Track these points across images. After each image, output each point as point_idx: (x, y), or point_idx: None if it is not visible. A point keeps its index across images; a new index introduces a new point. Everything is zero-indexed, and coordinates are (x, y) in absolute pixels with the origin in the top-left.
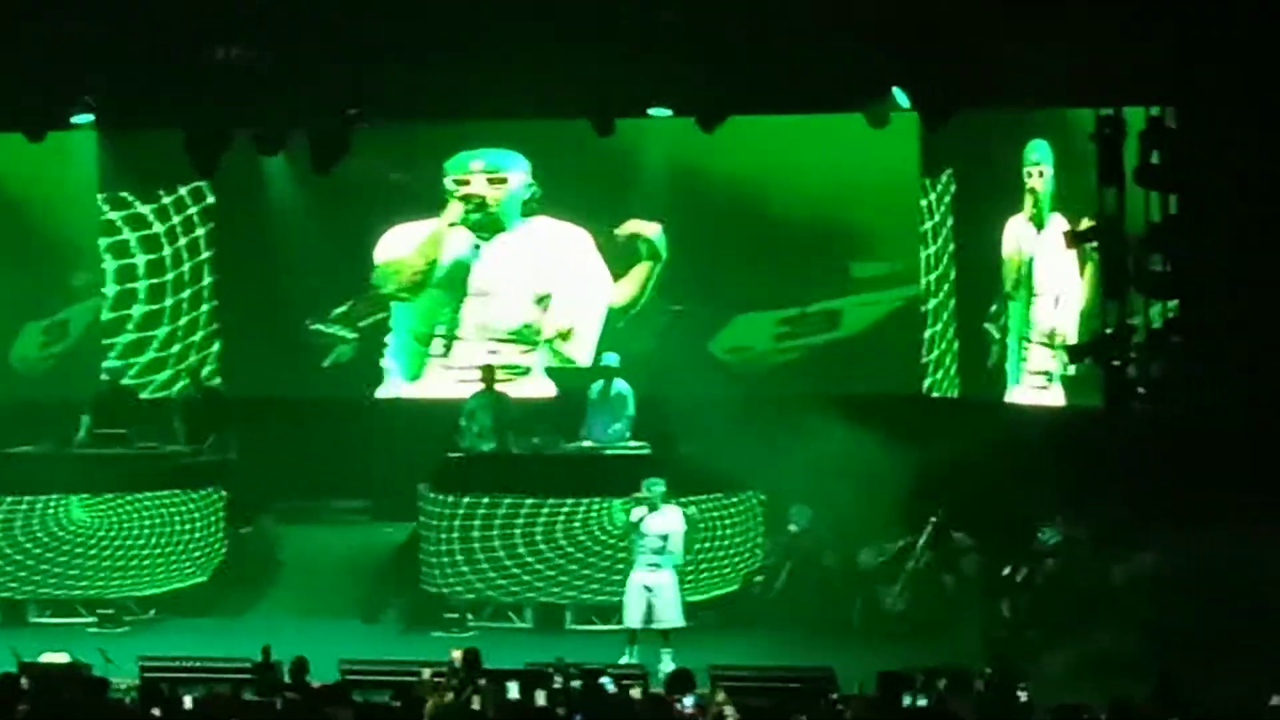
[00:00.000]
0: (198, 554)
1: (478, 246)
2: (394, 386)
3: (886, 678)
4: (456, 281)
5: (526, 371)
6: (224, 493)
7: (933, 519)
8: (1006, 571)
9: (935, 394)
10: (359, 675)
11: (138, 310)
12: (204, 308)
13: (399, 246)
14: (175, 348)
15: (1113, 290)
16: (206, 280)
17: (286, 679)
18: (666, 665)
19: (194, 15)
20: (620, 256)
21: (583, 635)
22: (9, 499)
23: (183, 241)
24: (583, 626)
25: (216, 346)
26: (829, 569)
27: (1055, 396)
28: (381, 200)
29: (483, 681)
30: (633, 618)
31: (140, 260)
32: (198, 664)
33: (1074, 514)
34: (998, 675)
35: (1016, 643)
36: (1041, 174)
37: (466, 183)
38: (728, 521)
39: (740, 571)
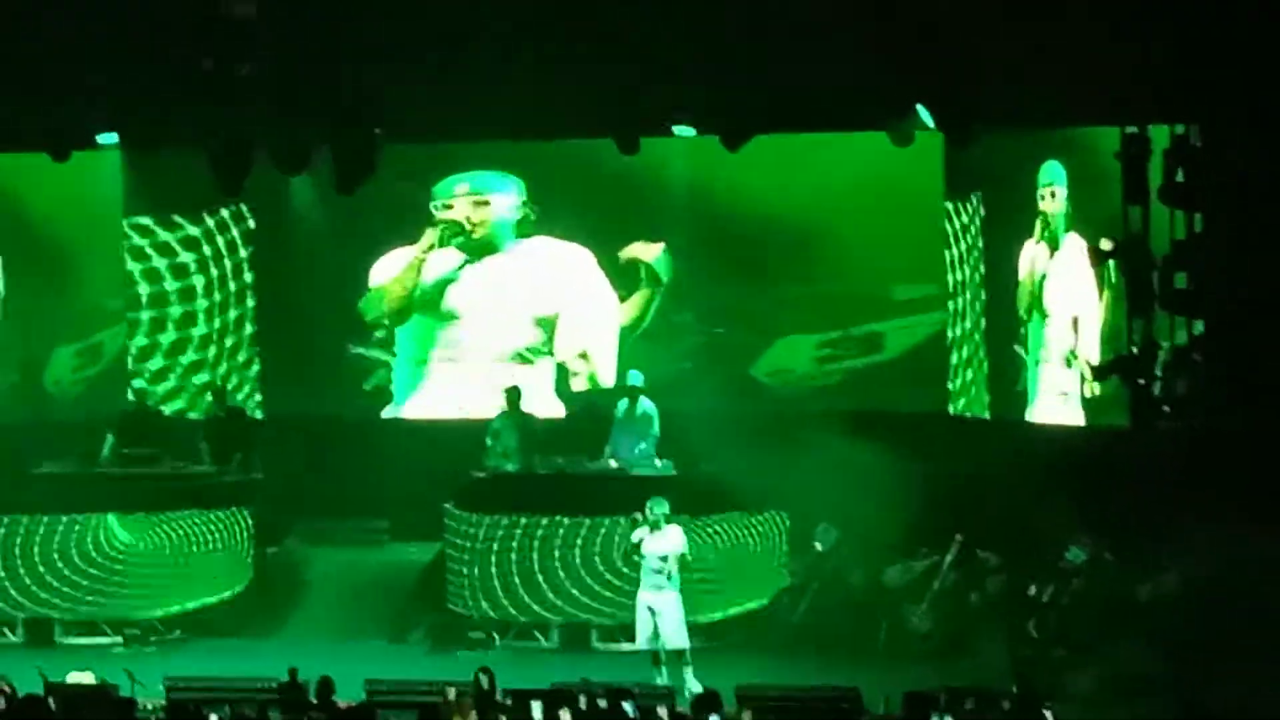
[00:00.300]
0: (224, 574)
1: (462, 268)
2: (398, 408)
3: (912, 697)
4: (443, 304)
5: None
6: (250, 513)
7: (958, 538)
8: (1032, 590)
9: (963, 414)
10: (385, 695)
11: (168, 333)
12: (245, 329)
13: (385, 272)
14: (204, 368)
15: (1137, 308)
16: (231, 302)
17: (313, 699)
18: (692, 685)
19: (216, 35)
20: (624, 277)
21: (609, 655)
22: (35, 519)
23: (215, 265)
24: (609, 646)
25: (255, 368)
26: (855, 588)
27: (1074, 416)
28: (409, 220)
29: (508, 701)
30: (641, 638)
31: (170, 284)
32: (224, 684)
33: (1099, 532)
34: (1024, 695)
35: (1043, 662)
36: (1054, 195)
37: (450, 206)
38: (752, 541)
39: (766, 591)
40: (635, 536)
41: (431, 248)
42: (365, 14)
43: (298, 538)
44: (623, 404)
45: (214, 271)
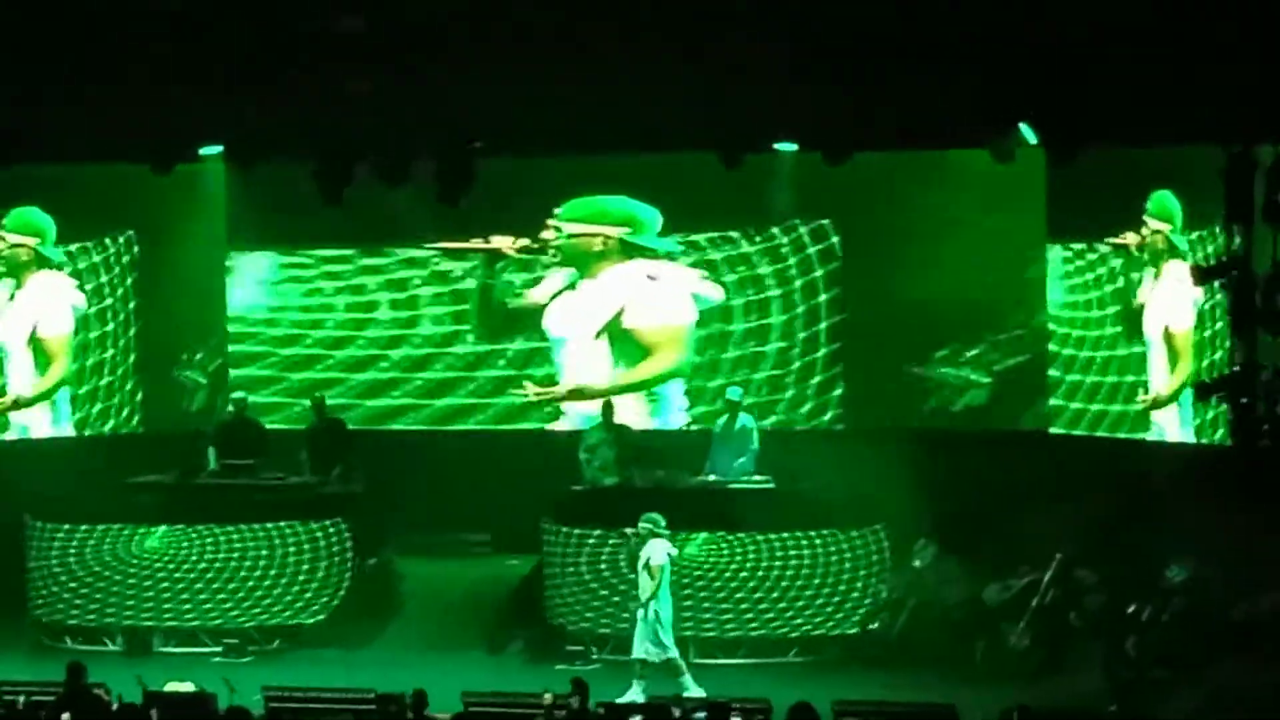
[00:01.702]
0: (322, 585)
1: (569, 287)
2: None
3: (1010, 716)
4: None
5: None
6: (348, 524)
7: (1057, 556)
8: (1132, 609)
9: (1063, 432)
10: (481, 707)
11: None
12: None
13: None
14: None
15: (1239, 328)
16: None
17: (408, 712)
18: (693, 691)
19: (320, 48)
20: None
21: (706, 669)
22: (135, 528)
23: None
24: (706, 660)
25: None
26: (952, 605)
27: (1175, 435)
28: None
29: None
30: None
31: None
32: (321, 695)
33: (1200, 551)
34: (1123, 715)
35: (1142, 682)
36: (1157, 223)
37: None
38: (851, 557)
39: (863, 607)
40: (658, 552)
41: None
42: (470, 28)
43: (396, 549)
44: (722, 419)
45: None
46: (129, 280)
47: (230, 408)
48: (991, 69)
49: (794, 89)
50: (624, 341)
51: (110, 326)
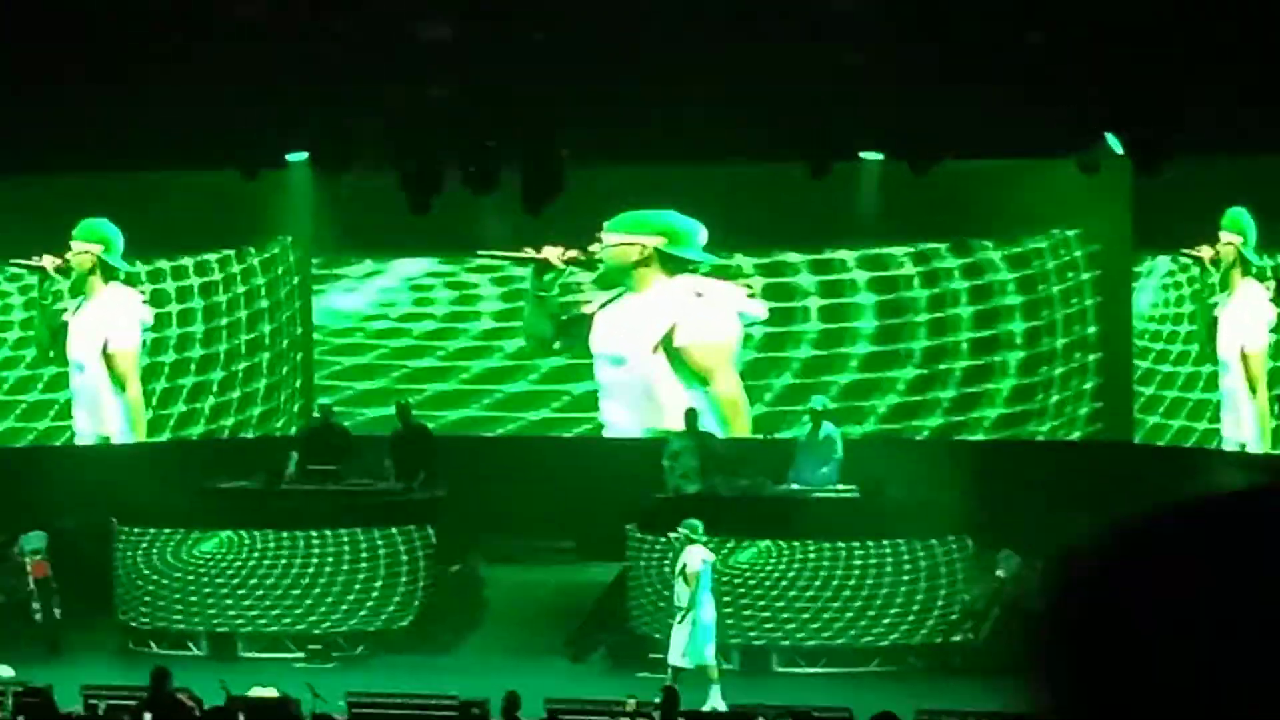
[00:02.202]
0: (405, 591)
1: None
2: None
3: None
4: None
5: None
6: (432, 531)
7: None
8: None
9: (1148, 442)
10: (565, 713)
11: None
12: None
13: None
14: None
15: None
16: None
17: (498, 715)
18: (717, 704)
19: (406, 56)
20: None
21: (787, 678)
22: (218, 534)
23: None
24: (788, 669)
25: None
26: (1036, 616)
27: (1257, 446)
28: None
29: None
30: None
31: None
32: (405, 701)
33: None
34: None
35: None
36: (1231, 243)
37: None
38: (934, 567)
39: (947, 617)
40: (694, 559)
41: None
42: (556, 37)
43: (480, 555)
44: (805, 427)
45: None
46: (212, 288)
47: (316, 413)
48: (1078, 79)
49: (880, 98)
50: (678, 359)
51: (192, 331)
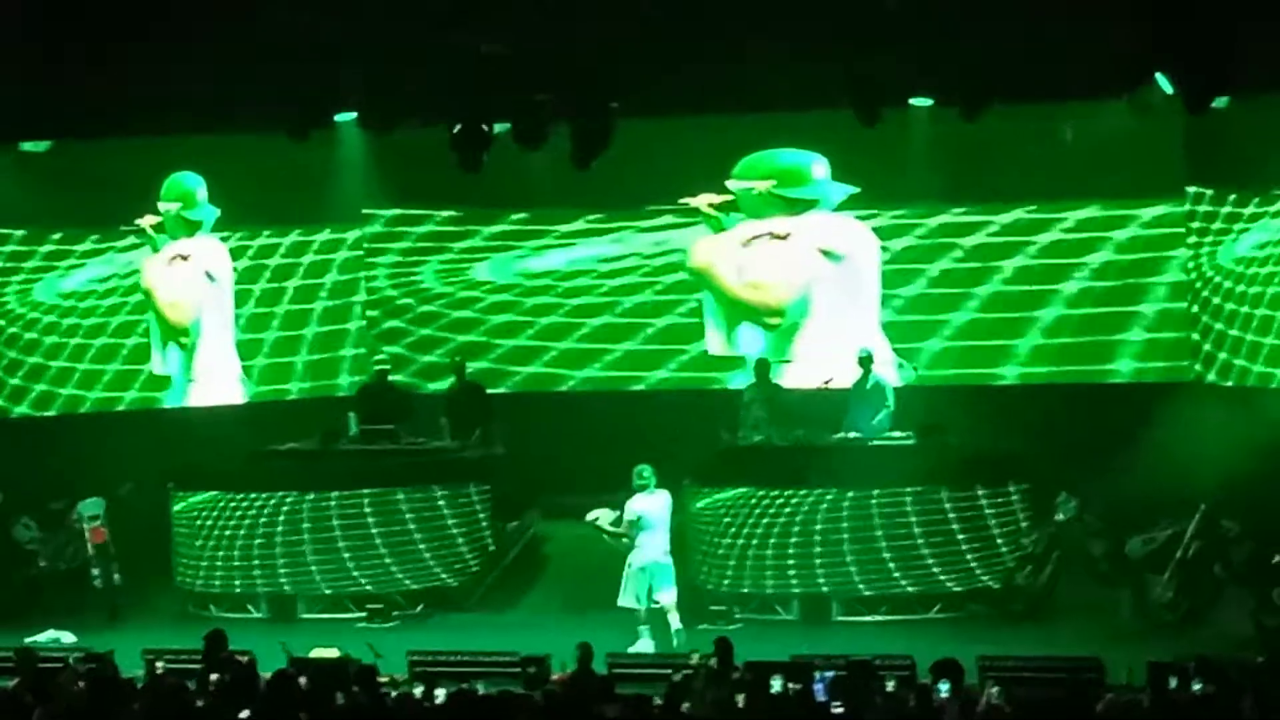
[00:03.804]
0: (464, 549)
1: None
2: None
3: (1156, 668)
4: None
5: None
6: (490, 488)
7: (1201, 507)
8: (1278, 559)
9: (1204, 382)
10: (626, 668)
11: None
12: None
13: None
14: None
15: None
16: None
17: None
18: (675, 625)
19: (454, 10)
20: None
21: (849, 627)
22: (277, 496)
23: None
24: (849, 618)
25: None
26: (1096, 559)
27: None
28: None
29: (747, 676)
30: (631, 599)
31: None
32: (466, 658)
33: None
34: (1271, 664)
35: None
36: None
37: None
38: (993, 512)
39: (1006, 562)
40: (631, 509)
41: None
42: None
43: (538, 512)
44: (856, 377)
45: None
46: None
47: (374, 371)
48: (1128, 18)
49: (928, 43)
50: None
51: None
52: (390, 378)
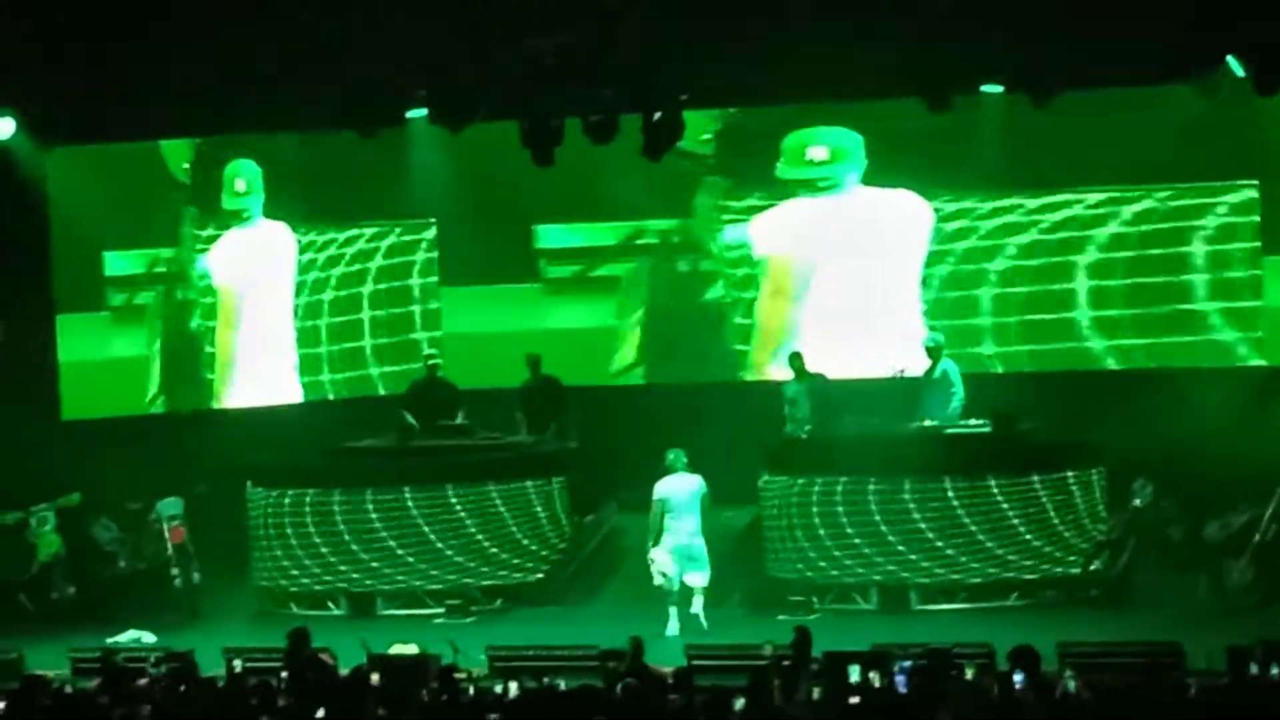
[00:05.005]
0: (541, 543)
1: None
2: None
3: (1236, 653)
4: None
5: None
6: (566, 482)
7: (1278, 490)
8: None
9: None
10: (704, 659)
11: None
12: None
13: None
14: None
15: None
16: None
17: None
18: (699, 611)
19: (520, 6)
20: None
21: (929, 616)
22: (355, 492)
23: None
24: (929, 606)
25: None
26: (1174, 544)
27: None
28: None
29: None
30: (669, 579)
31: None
32: (546, 653)
33: None
34: None
35: None
36: None
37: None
38: (1070, 498)
39: (1084, 549)
40: (657, 490)
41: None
42: None
43: (615, 505)
44: (925, 365)
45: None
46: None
47: (424, 368)
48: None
49: (999, 29)
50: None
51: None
52: (439, 374)
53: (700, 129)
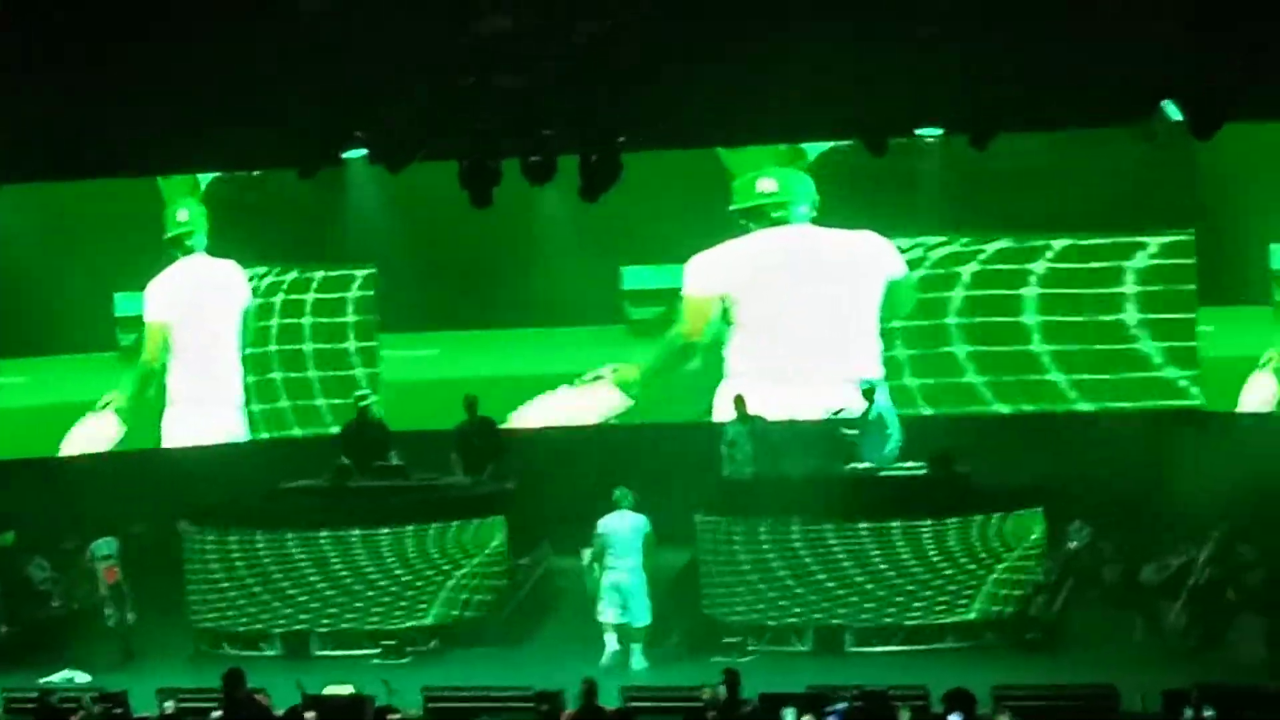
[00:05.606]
0: (477, 584)
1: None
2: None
3: (1171, 696)
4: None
5: None
6: (504, 522)
7: (1215, 534)
8: None
9: (1215, 410)
10: (641, 701)
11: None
12: None
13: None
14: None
15: None
16: None
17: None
18: (638, 662)
19: (456, 48)
20: None
21: (864, 658)
22: (290, 533)
23: None
24: (862, 649)
25: None
26: (1110, 585)
27: None
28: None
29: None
30: (610, 615)
31: None
32: (481, 693)
33: None
34: None
35: None
36: None
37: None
38: (1005, 540)
39: (1020, 591)
40: (598, 527)
41: None
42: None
43: (550, 546)
44: (861, 407)
45: None
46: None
47: (354, 408)
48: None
49: (935, 72)
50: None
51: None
52: (370, 415)
53: None
